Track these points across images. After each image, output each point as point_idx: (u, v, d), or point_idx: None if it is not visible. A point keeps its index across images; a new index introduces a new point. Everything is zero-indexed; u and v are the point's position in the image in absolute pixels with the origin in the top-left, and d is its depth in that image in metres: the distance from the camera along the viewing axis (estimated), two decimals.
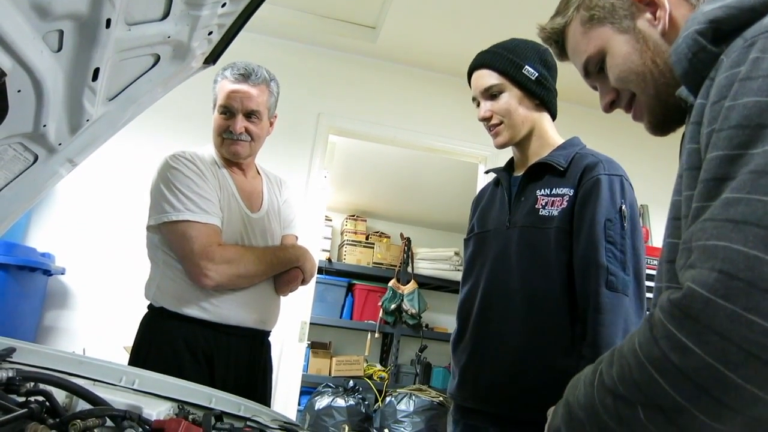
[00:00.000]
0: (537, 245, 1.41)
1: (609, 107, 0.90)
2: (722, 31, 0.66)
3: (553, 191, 1.43)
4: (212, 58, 1.26)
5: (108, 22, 0.88)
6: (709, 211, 0.57)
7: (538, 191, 1.46)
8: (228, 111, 1.68)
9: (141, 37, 1.01)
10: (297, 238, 1.90)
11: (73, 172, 1.25)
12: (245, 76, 1.67)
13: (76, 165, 1.22)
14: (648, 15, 0.82)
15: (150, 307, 1.66)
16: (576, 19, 0.91)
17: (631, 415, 0.58)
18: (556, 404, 0.75)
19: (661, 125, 0.84)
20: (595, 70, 0.90)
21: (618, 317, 1.28)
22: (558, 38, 0.96)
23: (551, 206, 1.42)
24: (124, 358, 2.27)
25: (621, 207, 1.35)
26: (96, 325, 2.81)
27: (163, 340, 1.59)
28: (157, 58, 1.13)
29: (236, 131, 1.67)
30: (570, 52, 0.94)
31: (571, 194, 1.40)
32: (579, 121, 1.95)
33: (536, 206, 1.44)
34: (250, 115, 1.69)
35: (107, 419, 0.84)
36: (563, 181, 1.43)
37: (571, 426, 0.67)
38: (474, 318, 1.49)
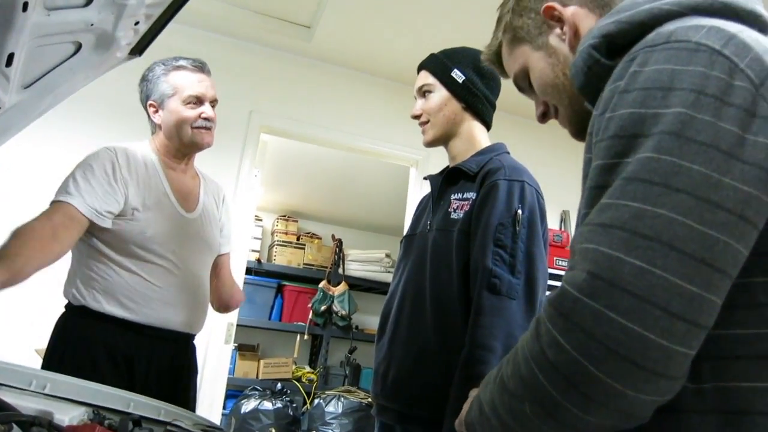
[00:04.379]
0: (444, 247, 1.45)
1: (542, 118, 0.95)
2: (616, 45, 0.70)
3: (464, 195, 1.48)
4: (138, 49, 1.22)
5: (25, 6, 0.83)
6: (588, 217, 0.61)
7: (452, 195, 1.51)
8: (198, 100, 1.67)
9: (61, 23, 0.96)
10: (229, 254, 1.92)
11: None
12: (202, 65, 1.71)
13: None
14: (558, 30, 0.87)
15: (68, 306, 1.59)
16: (504, 41, 0.96)
17: (521, 411, 0.61)
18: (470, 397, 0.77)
19: (580, 132, 0.88)
20: (525, 85, 0.94)
21: (498, 319, 1.29)
22: (495, 59, 1.01)
23: (460, 210, 1.46)
24: (36, 361, 2.15)
25: (516, 211, 1.37)
26: (3, 326, 2.64)
27: (79, 342, 1.52)
28: (79, 46, 1.08)
29: (212, 117, 1.70)
30: (506, 71, 0.99)
31: (474, 197, 1.44)
32: (507, 129, 2.02)
33: (449, 210, 1.49)
34: (213, 103, 1.72)
35: (14, 425, 0.79)
36: (473, 186, 1.47)
37: (480, 423, 0.69)
38: (391, 317, 1.53)
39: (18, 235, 1.39)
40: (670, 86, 0.58)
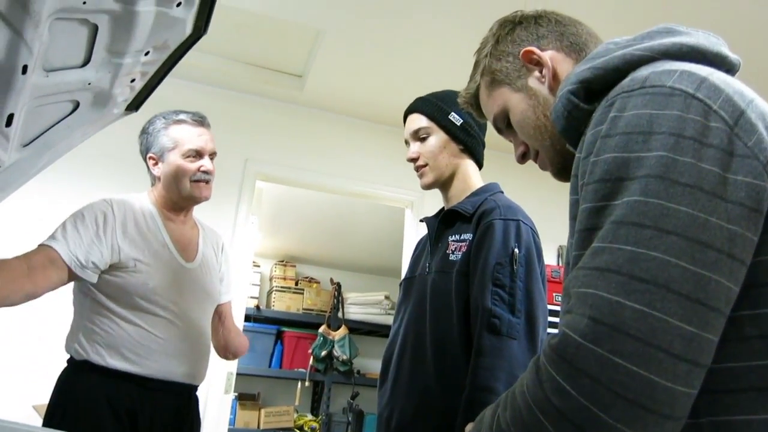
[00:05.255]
0: (443, 289, 1.44)
1: (521, 158, 0.97)
2: (593, 90, 0.74)
3: (462, 237, 1.48)
4: (135, 105, 1.25)
5: (24, 68, 0.86)
6: (582, 260, 0.62)
7: (450, 237, 1.51)
8: (198, 153, 1.71)
9: (60, 83, 0.99)
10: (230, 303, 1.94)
11: None
12: (202, 119, 1.75)
13: None
14: (537, 73, 0.90)
15: (70, 360, 1.58)
16: (482, 84, 0.99)
17: None
18: None
19: (561, 172, 0.90)
20: (504, 126, 0.97)
21: (499, 360, 1.28)
22: (473, 101, 1.04)
23: (458, 251, 1.46)
24: (34, 418, 2.11)
25: (513, 250, 1.37)
26: (7, 383, 2.60)
27: (82, 397, 1.51)
28: (77, 105, 1.11)
29: (211, 171, 1.73)
30: (483, 112, 1.02)
31: (471, 239, 1.45)
32: (501, 168, 2.05)
33: (447, 251, 1.49)
34: (212, 156, 1.75)
35: None
36: (469, 227, 1.48)
37: None
38: (393, 362, 1.51)
39: None
40: (650, 130, 0.60)
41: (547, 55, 0.89)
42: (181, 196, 1.72)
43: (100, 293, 1.57)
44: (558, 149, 0.88)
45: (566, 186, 0.76)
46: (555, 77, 0.88)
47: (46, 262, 1.46)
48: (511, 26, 0.96)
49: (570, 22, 0.94)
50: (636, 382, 0.53)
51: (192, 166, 1.69)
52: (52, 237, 1.52)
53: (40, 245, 1.50)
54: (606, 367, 0.54)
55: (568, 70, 0.86)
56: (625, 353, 0.53)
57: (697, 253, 0.55)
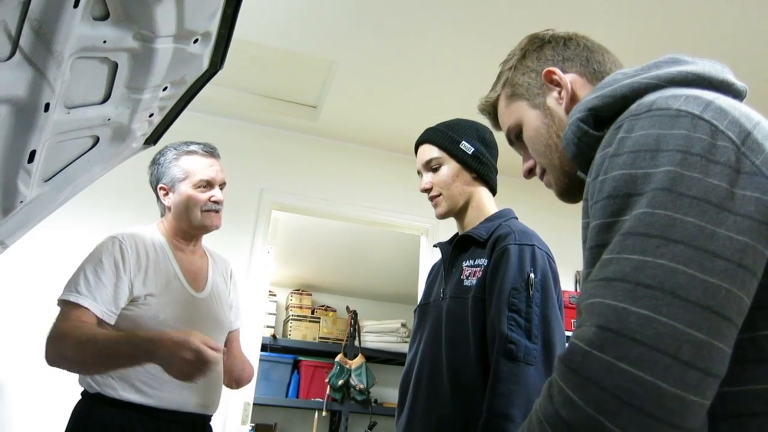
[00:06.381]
0: (459, 315, 1.43)
1: (527, 173, 0.98)
2: (602, 117, 0.75)
3: (476, 262, 1.48)
4: (153, 139, 1.28)
5: (47, 106, 0.89)
6: (591, 274, 0.62)
7: (464, 262, 1.51)
8: (209, 184, 1.73)
9: (80, 119, 1.02)
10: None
11: (4, 253, 1.21)
12: (212, 150, 1.77)
13: (6, 247, 1.19)
14: (555, 94, 0.92)
15: (84, 394, 1.58)
16: (502, 94, 1.01)
17: None
18: None
19: (566, 193, 0.92)
20: (515, 139, 0.99)
21: (516, 386, 1.26)
22: (490, 110, 1.05)
23: (473, 277, 1.46)
24: None
25: (529, 275, 1.37)
26: (22, 416, 2.61)
27: (96, 430, 1.50)
28: (96, 140, 1.14)
29: (221, 201, 1.75)
30: (499, 123, 1.04)
31: (485, 264, 1.44)
32: (517, 194, 2.04)
33: (461, 277, 1.48)
34: (222, 186, 1.78)
35: None
36: (483, 252, 1.47)
37: None
38: (410, 390, 1.50)
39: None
40: (657, 148, 0.61)
41: (568, 78, 0.91)
42: (191, 226, 1.73)
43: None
44: (566, 170, 0.89)
45: (580, 210, 0.77)
46: (573, 100, 0.89)
47: (94, 322, 1.51)
48: (540, 43, 0.97)
49: (598, 49, 0.95)
50: (642, 387, 0.52)
51: (203, 196, 1.71)
52: (77, 291, 1.51)
53: (70, 303, 1.50)
54: (611, 374, 0.53)
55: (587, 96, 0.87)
56: (630, 358, 0.53)
57: (706, 261, 0.55)
